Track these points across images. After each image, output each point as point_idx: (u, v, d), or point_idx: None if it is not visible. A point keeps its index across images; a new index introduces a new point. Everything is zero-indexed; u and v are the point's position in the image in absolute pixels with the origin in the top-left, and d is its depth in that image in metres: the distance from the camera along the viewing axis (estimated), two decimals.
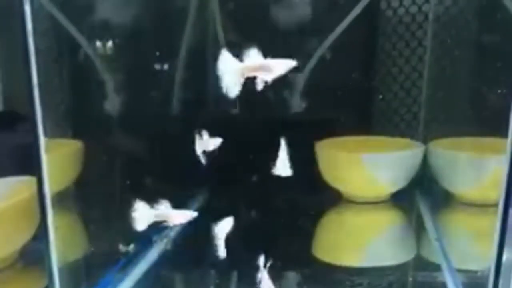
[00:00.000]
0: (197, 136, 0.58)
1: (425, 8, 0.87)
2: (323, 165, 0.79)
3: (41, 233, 0.49)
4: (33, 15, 0.44)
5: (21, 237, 0.61)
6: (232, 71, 0.46)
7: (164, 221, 0.55)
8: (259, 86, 0.47)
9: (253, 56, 0.45)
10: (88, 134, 0.69)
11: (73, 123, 0.70)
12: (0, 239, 0.58)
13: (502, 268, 0.43)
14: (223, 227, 0.57)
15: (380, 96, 0.88)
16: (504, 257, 0.43)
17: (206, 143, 0.59)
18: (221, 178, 0.79)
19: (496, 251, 0.42)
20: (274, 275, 0.65)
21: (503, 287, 0.43)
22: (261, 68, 0.46)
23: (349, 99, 0.85)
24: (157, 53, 0.76)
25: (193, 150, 0.79)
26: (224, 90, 0.46)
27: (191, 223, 0.74)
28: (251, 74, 0.46)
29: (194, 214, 0.56)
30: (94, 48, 0.72)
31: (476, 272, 0.57)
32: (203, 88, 0.83)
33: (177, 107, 0.81)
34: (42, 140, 0.44)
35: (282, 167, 0.56)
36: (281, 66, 0.46)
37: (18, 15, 0.41)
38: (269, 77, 0.46)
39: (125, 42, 0.75)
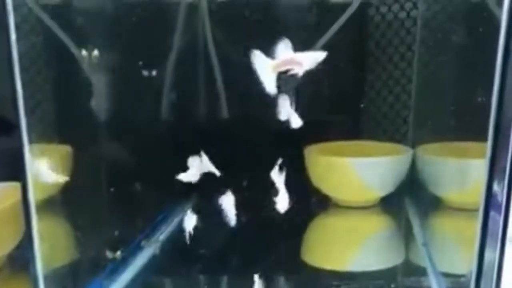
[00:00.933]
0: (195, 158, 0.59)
1: (413, 13, 0.88)
2: (312, 169, 0.80)
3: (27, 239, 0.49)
4: (21, 20, 0.44)
5: (8, 242, 0.61)
6: (266, 69, 0.47)
7: None
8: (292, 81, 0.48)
9: (283, 50, 0.46)
10: (77, 140, 0.69)
11: (62, 129, 0.70)
12: None
13: (484, 272, 0.43)
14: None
15: (362, 105, 0.89)
16: (486, 261, 0.43)
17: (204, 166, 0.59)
18: (210, 183, 0.80)
19: (477, 255, 0.43)
20: (263, 280, 0.65)
21: None
22: (292, 62, 0.47)
23: (338, 104, 0.85)
24: (147, 58, 0.76)
25: (183, 155, 0.79)
26: (263, 87, 0.48)
27: (179, 228, 0.75)
28: (283, 69, 0.47)
29: None
30: (83, 54, 0.72)
31: (461, 276, 0.57)
32: (193, 93, 0.84)
33: (167, 112, 0.81)
34: (26, 146, 0.44)
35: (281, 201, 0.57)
36: (311, 59, 0.47)
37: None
38: (301, 71, 0.47)
39: (115, 47, 0.75)
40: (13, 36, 0.39)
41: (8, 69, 0.41)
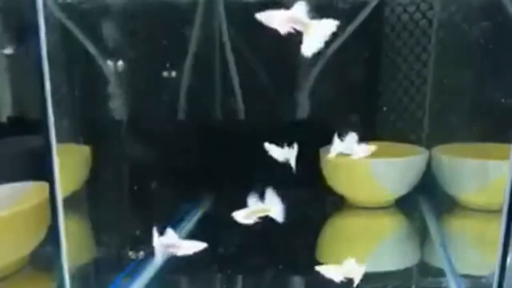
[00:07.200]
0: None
1: (429, 14, 0.88)
2: (327, 170, 0.80)
3: (50, 238, 0.50)
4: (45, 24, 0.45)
5: (31, 242, 0.62)
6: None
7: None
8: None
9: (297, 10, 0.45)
10: (96, 140, 0.70)
11: (81, 129, 0.71)
12: (11, 244, 0.59)
13: (506, 274, 0.43)
14: None
15: (384, 108, 0.89)
16: (508, 262, 0.43)
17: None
18: (227, 182, 0.80)
19: (500, 256, 0.43)
20: (278, 280, 0.66)
21: None
22: (297, 21, 0.45)
23: (353, 105, 0.85)
24: (165, 60, 0.76)
25: (200, 155, 0.79)
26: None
27: (197, 227, 0.75)
28: (288, 26, 0.45)
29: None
30: (104, 56, 0.73)
31: (480, 277, 0.57)
32: (210, 93, 0.84)
33: (184, 113, 0.81)
34: (54, 145, 0.44)
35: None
36: (322, 27, 0.45)
37: (28, 20, 0.42)
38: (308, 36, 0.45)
39: (134, 49, 0.76)
40: (42, 36, 0.40)
41: (38, 70, 0.41)
